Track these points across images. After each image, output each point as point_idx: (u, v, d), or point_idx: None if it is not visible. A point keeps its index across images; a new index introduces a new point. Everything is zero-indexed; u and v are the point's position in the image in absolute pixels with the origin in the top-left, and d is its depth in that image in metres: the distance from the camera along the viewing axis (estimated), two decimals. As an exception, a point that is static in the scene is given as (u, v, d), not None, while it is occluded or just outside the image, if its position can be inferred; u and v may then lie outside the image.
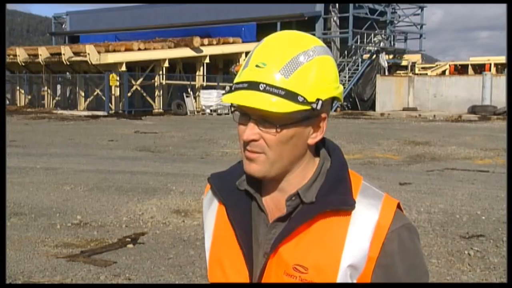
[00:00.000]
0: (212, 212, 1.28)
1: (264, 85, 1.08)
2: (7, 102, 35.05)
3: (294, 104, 1.08)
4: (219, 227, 1.25)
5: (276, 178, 1.16)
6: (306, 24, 33.15)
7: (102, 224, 6.70)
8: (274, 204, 1.19)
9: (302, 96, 1.08)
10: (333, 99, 1.16)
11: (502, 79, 29.63)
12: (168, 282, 4.83)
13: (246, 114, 1.12)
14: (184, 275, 5.00)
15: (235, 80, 1.14)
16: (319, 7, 36.25)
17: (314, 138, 1.15)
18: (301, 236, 1.14)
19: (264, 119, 1.10)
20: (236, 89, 1.12)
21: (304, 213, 1.14)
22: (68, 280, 4.81)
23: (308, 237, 1.13)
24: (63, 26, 50.21)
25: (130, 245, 5.83)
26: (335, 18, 37.24)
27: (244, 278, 1.18)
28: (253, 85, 1.09)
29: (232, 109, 1.16)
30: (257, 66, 1.10)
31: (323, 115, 1.14)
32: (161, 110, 31.74)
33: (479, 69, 39.94)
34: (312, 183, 1.16)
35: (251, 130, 1.11)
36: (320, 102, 1.10)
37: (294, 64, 1.09)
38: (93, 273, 4.98)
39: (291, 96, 1.08)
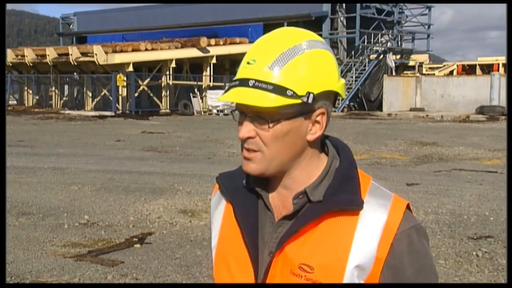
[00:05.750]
0: (219, 211, 1.28)
1: (253, 81, 1.08)
2: (15, 102, 35.28)
3: (282, 98, 1.07)
4: (226, 226, 1.25)
5: (277, 175, 1.15)
6: (313, 24, 33.07)
7: (109, 224, 6.72)
8: (281, 202, 1.18)
9: (291, 90, 1.07)
10: (336, 94, 1.14)
11: (511, 79, 29.44)
12: (175, 282, 4.84)
13: (243, 113, 1.13)
14: (191, 275, 5.00)
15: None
16: (326, 7, 36.21)
17: (313, 134, 1.13)
18: (307, 235, 1.12)
19: (258, 115, 1.10)
20: (230, 87, 1.12)
21: (311, 212, 1.12)
22: (76, 280, 4.83)
23: (314, 236, 1.12)
24: (71, 26, 50.49)
25: (137, 245, 5.84)
26: (342, 18, 37.21)
27: (249, 278, 1.17)
28: (243, 82, 1.10)
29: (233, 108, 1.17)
30: (248, 63, 1.11)
31: (321, 109, 1.12)
32: (168, 110, 31.80)
33: (487, 69, 39.68)
34: (320, 182, 1.15)
35: (246, 127, 1.12)
36: (312, 95, 1.08)
37: (284, 59, 1.08)
38: (100, 273, 5.00)
39: (279, 90, 1.07)
